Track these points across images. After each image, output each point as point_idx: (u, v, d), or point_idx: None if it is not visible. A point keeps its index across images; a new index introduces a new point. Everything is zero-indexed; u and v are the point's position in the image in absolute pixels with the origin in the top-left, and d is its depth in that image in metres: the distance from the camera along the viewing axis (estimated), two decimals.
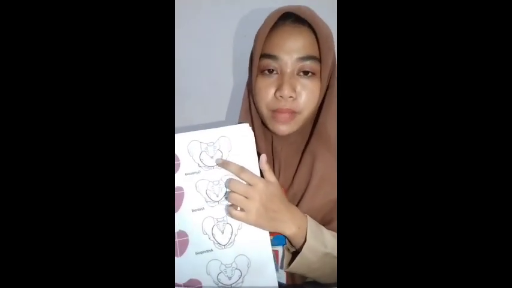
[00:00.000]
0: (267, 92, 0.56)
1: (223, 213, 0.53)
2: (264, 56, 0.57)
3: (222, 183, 0.53)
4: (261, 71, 0.57)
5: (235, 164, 0.52)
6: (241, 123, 0.57)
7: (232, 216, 0.51)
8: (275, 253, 0.55)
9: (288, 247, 0.56)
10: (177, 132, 0.52)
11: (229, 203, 0.52)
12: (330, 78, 0.59)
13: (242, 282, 0.52)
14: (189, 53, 0.88)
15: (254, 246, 0.53)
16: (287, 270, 0.55)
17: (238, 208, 0.51)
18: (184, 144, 0.53)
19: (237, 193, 0.51)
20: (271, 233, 0.54)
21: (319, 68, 0.56)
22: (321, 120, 0.59)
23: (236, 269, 0.52)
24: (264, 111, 0.58)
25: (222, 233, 0.52)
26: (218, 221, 0.52)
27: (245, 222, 0.52)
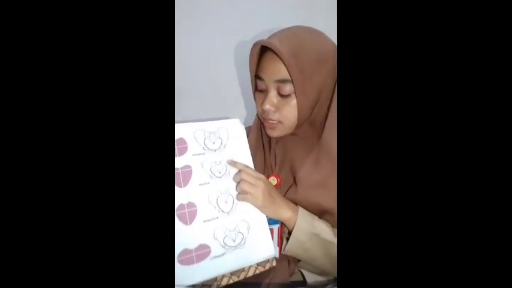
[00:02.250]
0: (258, 105, 0.70)
1: (226, 186, 0.63)
2: (256, 76, 0.69)
3: (223, 163, 0.64)
4: (256, 88, 0.71)
5: (240, 163, 0.65)
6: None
7: (243, 200, 0.63)
8: (270, 231, 0.65)
9: (286, 235, 0.67)
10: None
11: (239, 192, 0.64)
12: (333, 94, 0.68)
13: (244, 243, 0.61)
14: (189, 52, 0.93)
15: (252, 212, 0.63)
16: (284, 252, 0.66)
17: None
18: (191, 131, 0.64)
19: (246, 182, 0.63)
20: None
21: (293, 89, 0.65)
22: (324, 135, 0.67)
23: (239, 232, 0.61)
24: (259, 117, 0.73)
25: (225, 202, 0.62)
26: (222, 193, 0.62)
27: (253, 205, 0.63)
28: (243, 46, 0.78)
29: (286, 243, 0.65)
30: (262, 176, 0.65)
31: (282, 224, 0.67)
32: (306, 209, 0.67)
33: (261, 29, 0.82)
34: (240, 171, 0.64)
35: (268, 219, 0.65)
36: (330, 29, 0.68)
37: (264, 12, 0.73)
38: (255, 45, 0.67)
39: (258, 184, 0.63)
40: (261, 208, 0.63)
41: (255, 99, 0.73)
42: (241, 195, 0.63)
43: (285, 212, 0.64)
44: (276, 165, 0.74)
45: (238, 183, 0.64)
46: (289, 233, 0.66)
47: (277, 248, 0.66)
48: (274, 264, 0.63)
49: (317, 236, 0.63)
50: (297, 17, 0.71)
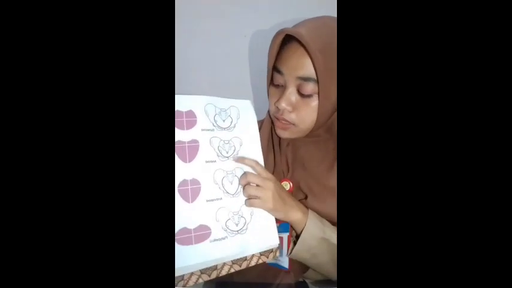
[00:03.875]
0: (272, 101, 0.63)
1: (233, 167, 0.59)
2: (274, 68, 0.61)
3: (232, 143, 0.60)
4: (272, 82, 0.63)
5: (250, 159, 0.59)
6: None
7: (251, 205, 0.57)
8: (280, 239, 0.61)
9: (293, 238, 0.62)
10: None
11: (246, 197, 0.58)
12: None
13: (246, 229, 0.57)
14: (189, 52, 0.92)
15: None
16: (290, 256, 0.61)
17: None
18: (202, 104, 0.60)
19: (253, 185, 0.58)
20: (277, 221, 0.60)
21: (317, 89, 0.57)
22: None
23: (242, 216, 0.57)
24: (271, 115, 0.66)
25: (231, 183, 0.58)
26: (228, 173, 0.58)
27: (263, 209, 0.58)
28: (244, 45, 0.75)
29: (293, 247, 0.60)
30: (270, 175, 0.59)
31: (291, 232, 0.62)
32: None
33: (262, 28, 0.81)
34: (244, 173, 0.58)
35: (277, 226, 0.60)
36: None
37: (265, 13, 0.72)
38: (279, 33, 0.59)
39: (267, 186, 0.57)
40: (271, 211, 0.58)
41: (268, 94, 0.65)
42: (249, 200, 0.57)
43: (294, 213, 0.59)
44: (288, 169, 0.68)
45: (244, 187, 0.58)
46: (297, 236, 0.61)
47: (287, 259, 0.61)
48: (277, 254, 0.59)
49: (326, 241, 0.59)
50: (297, 16, 0.67)
